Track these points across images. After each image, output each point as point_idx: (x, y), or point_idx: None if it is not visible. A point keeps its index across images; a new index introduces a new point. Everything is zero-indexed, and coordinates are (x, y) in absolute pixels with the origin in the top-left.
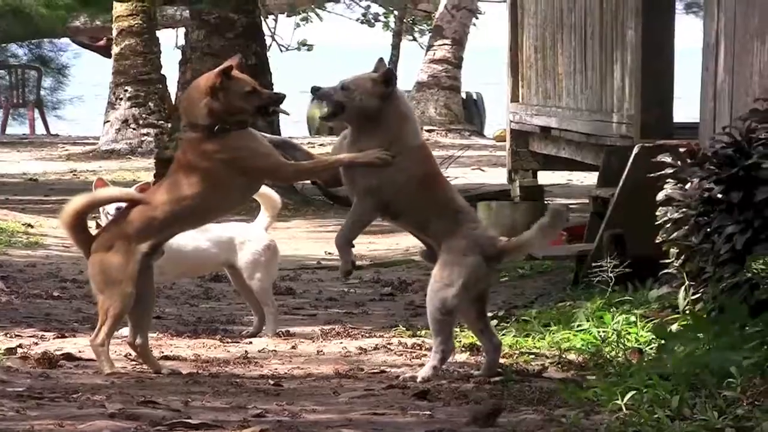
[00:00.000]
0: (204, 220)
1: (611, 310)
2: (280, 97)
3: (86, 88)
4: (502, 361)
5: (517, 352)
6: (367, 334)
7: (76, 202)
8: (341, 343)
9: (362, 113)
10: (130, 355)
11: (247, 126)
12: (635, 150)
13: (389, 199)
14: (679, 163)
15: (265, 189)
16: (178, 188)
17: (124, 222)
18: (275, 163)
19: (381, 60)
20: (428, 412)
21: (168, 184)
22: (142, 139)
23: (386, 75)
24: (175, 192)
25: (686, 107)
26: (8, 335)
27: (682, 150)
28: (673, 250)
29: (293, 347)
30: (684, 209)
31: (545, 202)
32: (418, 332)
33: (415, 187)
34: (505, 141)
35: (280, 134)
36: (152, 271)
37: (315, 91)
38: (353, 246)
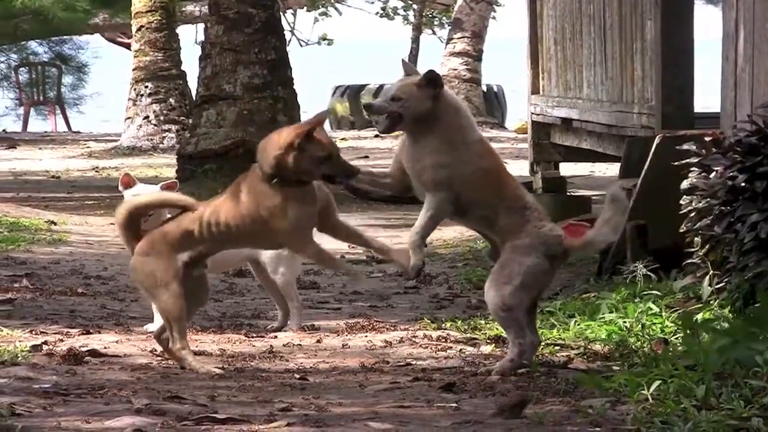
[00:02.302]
0: (238, 247)
1: (635, 300)
2: (353, 172)
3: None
4: None
5: (543, 343)
6: (392, 328)
7: (132, 203)
8: (366, 336)
9: (418, 118)
10: (155, 350)
11: (308, 184)
12: (657, 140)
13: (459, 192)
14: (703, 151)
15: None
16: (220, 211)
17: (169, 227)
18: (300, 241)
19: (405, 62)
20: (454, 404)
21: (217, 203)
22: (164, 135)
23: (430, 77)
24: (217, 213)
25: (706, 98)
26: (33, 332)
27: (707, 139)
28: (697, 240)
29: (318, 341)
30: (708, 198)
31: (568, 193)
32: (443, 325)
33: (482, 181)
34: (526, 133)
35: None
36: (201, 277)
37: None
38: (426, 245)
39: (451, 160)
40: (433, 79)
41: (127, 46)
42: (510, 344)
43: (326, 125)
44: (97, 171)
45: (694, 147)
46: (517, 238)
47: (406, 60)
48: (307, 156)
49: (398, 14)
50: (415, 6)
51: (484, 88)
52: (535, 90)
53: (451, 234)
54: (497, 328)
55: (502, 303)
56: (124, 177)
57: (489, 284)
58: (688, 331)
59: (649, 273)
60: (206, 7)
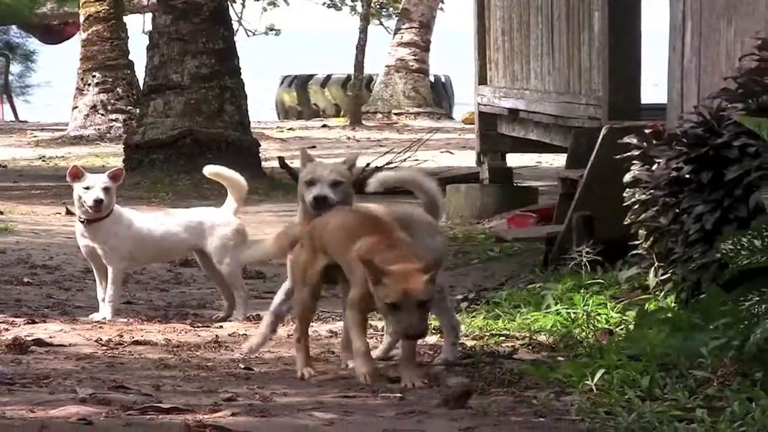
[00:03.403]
0: None
1: (581, 291)
2: None
3: (55, 75)
4: (472, 343)
5: (487, 333)
6: (338, 318)
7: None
8: (311, 326)
9: None
10: (101, 340)
11: None
12: (603, 131)
13: None
14: (645, 144)
15: (230, 173)
16: None
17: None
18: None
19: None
20: (399, 395)
21: None
22: (111, 124)
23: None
24: None
25: (655, 89)
26: None
27: (647, 131)
28: (642, 231)
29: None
30: (651, 190)
31: (514, 184)
32: None
33: None
34: (473, 124)
35: (248, 117)
36: None
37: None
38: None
39: None
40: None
41: (61, 34)
42: (450, 328)
43: (274, 115)
44: (44, 160)
45: (635, 139)
46: None
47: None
48: None
49: (346, 4)
50: None
51: (432, 79)
52: (482, 80)
53: None
54: None
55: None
56: (73, 169)
57: None
58: (638, 323)
59: (593, 261)
60: None
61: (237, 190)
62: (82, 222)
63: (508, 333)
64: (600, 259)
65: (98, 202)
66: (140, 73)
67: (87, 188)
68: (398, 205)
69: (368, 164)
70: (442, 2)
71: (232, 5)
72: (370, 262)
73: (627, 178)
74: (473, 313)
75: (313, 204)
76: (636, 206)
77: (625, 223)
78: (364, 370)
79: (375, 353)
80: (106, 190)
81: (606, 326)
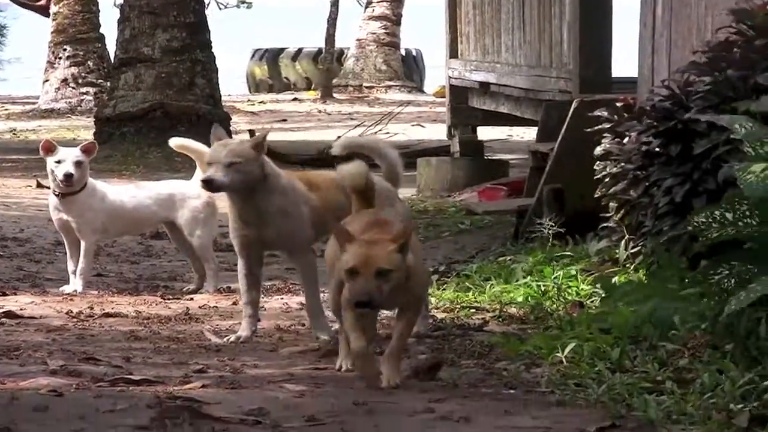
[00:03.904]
0: None
1: (551, 264)
2: None
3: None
4: (442, 315)
5: (457, 306)
6: None
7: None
8: (282, 298)
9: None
10: (71, 312)
11: None
12: (574, 105)
13: None
14: (615, 117)
15: (197, 145)
16: None
17: None
18: None
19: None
20: None
21: None
22: (82, 98)
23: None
24: None
25: (626, 63)
26: None
27: (618, 104)
28: (612, 204)
29: (234, 303)
30: (622, 163)
31: (485, 157)
32: None
33: None
34: (444, 97)
35: (219, 91)
36: None
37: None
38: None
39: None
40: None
41: (38, 10)
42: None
43: (245, 88)
44: (14, 133)
45: (606, 113)
46: None
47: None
48: None
49: None
50: None
51: (403, 52)
52: (453, 54)
53: None
54: None
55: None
56: (45, 143)
57: None
58: (608, 295)
59: (563, 234)
60: None
61: (204, 162)
62: (56, 195)
63: (478, 305)
64: (570, 232)
65: (68, 177)
66: (111, 47)
67: (59, 162)
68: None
69: (338, 137)
70: None
71: None
72: (339, 228)
73: (598, 151)
74: (443, 286)
75: (202, 186)
76: (606, 179)
77: (596, 196)
78: (365, 372)
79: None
80: (77, 164)
81: (576, 299)
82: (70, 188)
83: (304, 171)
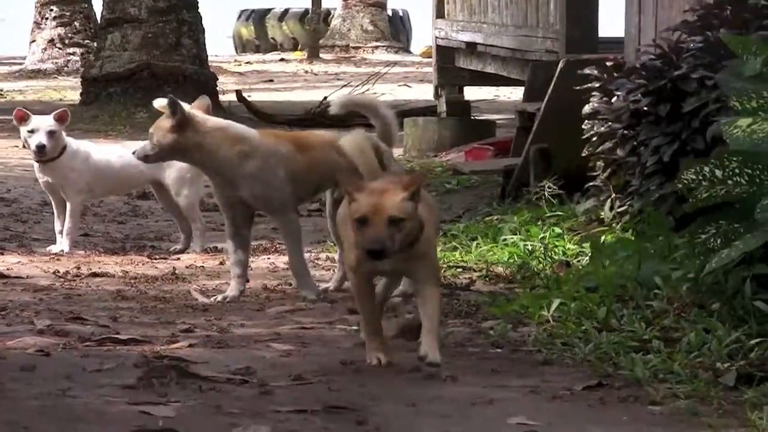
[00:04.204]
0: None
1: (538, 223)
2: None
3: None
4: None
5: (444, 265)
6: None
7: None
8: (269, 258)
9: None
10: (58, 272)
11: None
12: (560, 64)
13: None
14: (605, 76)
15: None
16: None
17: None
18: None
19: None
20: (355, 327)
21: None
22: (68, 58)
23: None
24: None
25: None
26: None
27: (609, 64)
28: (600, 163)
29: (221, 263)
30: (610, 123)
31: (472, 117)
32: None
33: None
34: (431, 57)
35: (205, 51)
36: None
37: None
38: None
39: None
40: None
41: None
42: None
43: (231, 48)
44: (1, 94)
45: (596, 72)
46: None
47: None
48: None
49: None
50: None
51: (389, 13)
52: (439, 14)
53: None
54: None
55: None
56: (18, 112)
57: None
58: (592, 254)
59: (552, 196)
60: None
61: None
62: (36, 161)
63: (465, 265)
64: (557, 192)
65: (41, 147)
66: (98, 7)
67: (32, 132)
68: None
69: (325, 98)
70: None
71: None
72: (348, 180)
73: (586, 109)
74: None
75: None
76: (594, 138)
77: (583, 155)
78: (375, 351)
79: (329, 285)
80: (50, 133)
81: (563, 258)
82: (43, 158)
83: (296, 131)
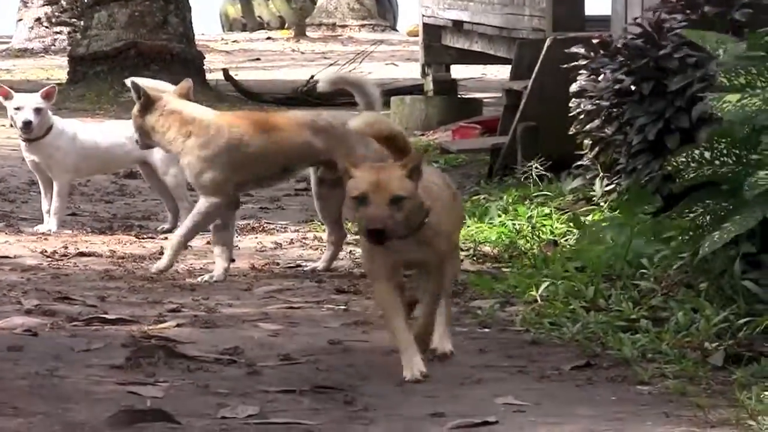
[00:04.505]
0: None
1: (526, 202)
2: None
3: None
4: None
5: None
6: (282, 229)
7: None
8: (256, 238)
9: None
10: (45, 251)
11: None
12: (547, 43)
13: None
14: (592, 54)
15: (158, 83)
16: None
17: None
18: None
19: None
20: (344, 307)
21: None
22: (56, 37)
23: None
24: None
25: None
26: None
27: (595, 41)
28: (587, 142)
29: (208, 243)
30: (597, 101)
31: (459, 95)
32: None
33: None
34: (418, 36)
35: (192, 30)
36: None
37: None
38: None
39: None
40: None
41: None
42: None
43: (218, 27)
44: None
45: (583, 50)
46: None
47: None
48: None
49: None
50: None
51: None
52: None
53: None
54: None
55: None
56: (2, 90)
57: None
58: (580, 233)
59: (541, 174)
60: None
61: None
62: (23, 140)
63: None
64: (544, 171)
65: (27, 124)
66: None
67: (18, 109)
68: (331, 112)
69: (312, 76)
70: None
71: None
72: (348, 161)
73: (573, 88)
74: None
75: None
76: (581, 116)
77: (570, 133)
78: (414, 365)
79: (318, 265)
80: (37, 110)
81: (551, 237)
82: (30, 135)
83: (264, 112)
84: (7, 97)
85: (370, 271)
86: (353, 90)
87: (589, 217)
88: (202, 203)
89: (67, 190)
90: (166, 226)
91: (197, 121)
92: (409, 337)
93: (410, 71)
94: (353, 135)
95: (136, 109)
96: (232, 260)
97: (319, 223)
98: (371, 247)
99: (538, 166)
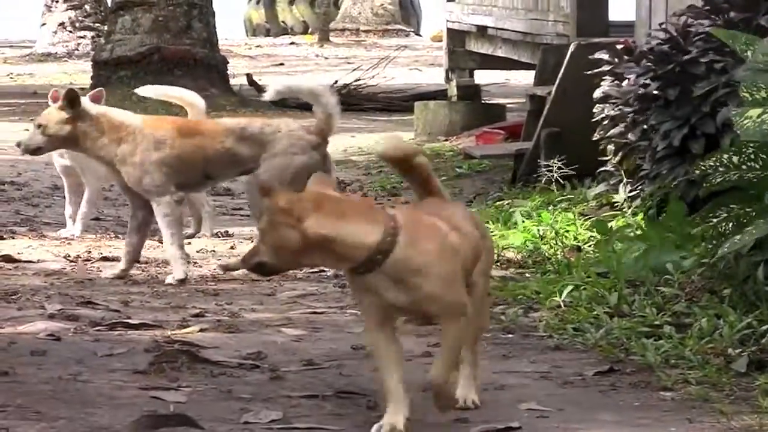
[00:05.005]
0: None
1: (549, 208)
2: None
3: None
4: None
5: None
6: None
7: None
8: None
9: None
10: (69, 256)
11: None
12: (571, 48)
13: None
14: (616, 60)
15: (186, 93)
16: None
17: None
18: None
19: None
20: None
21: None
22: (79, 42)
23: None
24: None
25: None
26: None
27: (619, 47)
28: (611, 147)
29: (232, 247)
30: (621, 106)
31: (483, 101)
32: None
33: None
34: (442, 41)
35: (216, 35)
36: None
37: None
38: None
39: None
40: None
41: None
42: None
43: (241, 32)
44: (11, 77)
45: (607, 55)
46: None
47: None
48: None
49: None
50: None
51: None
52: None
53: (365, 141)
54: None
55: None
56: (54, 93)
57: None
58: (602, 238)
59: (563, 179)
60: None
61: (195, 109)
62: None
63: None
64: (568, 176)
65: None
66: None
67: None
68: (269, 118)
69: (335, 81)
70: None
71: None
72: (263, 183)
73: (597, 93)
74: None
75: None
76: (605, 122)
77: (594, 138)
78: (392, 424)
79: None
80: None
81: (574, 243)
82: None
83: (186, 118)
84: (57, 100)
85: (361, 312)
86: (307, 99)
87: (613, 223)
88: (160, 208)
89: (97, 196)
90: (189, 230)
91: (125, 125)
92: (398, 396)
93: (434, 76)
94: (283, 143)
95: (61, 116)
96: (137, 262)
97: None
98: (354, 287)
99: (561, 167)
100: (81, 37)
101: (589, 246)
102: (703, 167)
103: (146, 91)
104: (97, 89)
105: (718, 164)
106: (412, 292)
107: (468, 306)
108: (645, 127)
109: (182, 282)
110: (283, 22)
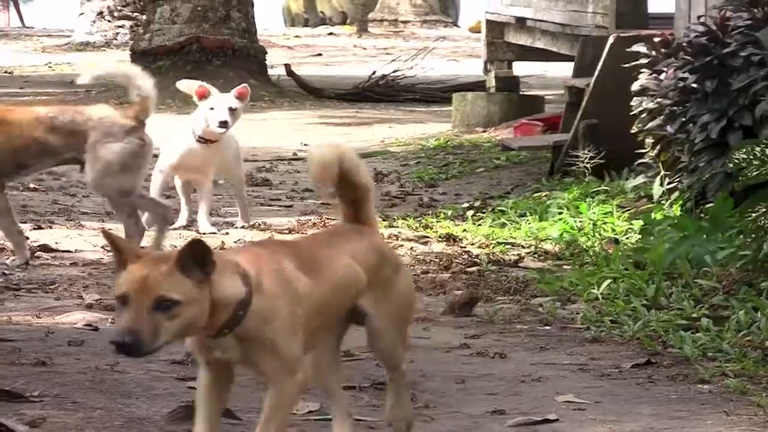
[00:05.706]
0: None
1: (587, 200)
2: None
3: None
4: (478, 251)
5: (493, 242)
6: None
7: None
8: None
9: None
10: (106, 246)
11: None
12: (610, 40)
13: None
14: (653, 53)
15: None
16: None
17: None
18: None
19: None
20: None
21: None
22: (117, 31)
23: None
24: None
25: None
26: None
27: (656, 40)
28: (649, 140)
29: (270, 238)
30: (659, 99)
31: (521, 92)
32: (394, 223)
33: None
34: (480, 32)
35: (254, 25)
36: None
37: None
38: None
39: None
40: None
41: None
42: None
43: (280, 22)
44: (50, 67)
45: (645, 48)
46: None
47: None
48: None
49: None
50: None
51: None
52: None
53: (403, 132)
54: (448, 226)
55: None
56: (201, 89)
57: None
58: (642, 231)
59: (599, 170)
60: None
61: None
62: (200, 141)
63: (513, 241)
64: (606, 168)
65: (223, 124)
66: None
67: (212, 108)
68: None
69: (374, 72)
70: None
71: None
72: (114, 240)
73: (635, 86)
74: (479, 222)
75: None
76: (643, 114)
77: (632, 131)
78: None
79: None
80: (231, 110)
81: (612, 235)
82: (222, 136)
83: (7, 106)
84: (203, 96)
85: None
86: (123, 82)
87: (651, 215)
88: None
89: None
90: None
91: None
92: None
93: (472, 68)
94: (96, 134)
95: None
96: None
97: (381, 219)
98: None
99: (594, 156)
100: (119, 27)
101: (627, 238)
102: (736, 160)
103: (182, 84)
104: (241, 85)
105: (751, 157)
106: (260, 353)
107: (302, 362)
108: (683, 119)
109: (21, 266)
110: (321, 12)
